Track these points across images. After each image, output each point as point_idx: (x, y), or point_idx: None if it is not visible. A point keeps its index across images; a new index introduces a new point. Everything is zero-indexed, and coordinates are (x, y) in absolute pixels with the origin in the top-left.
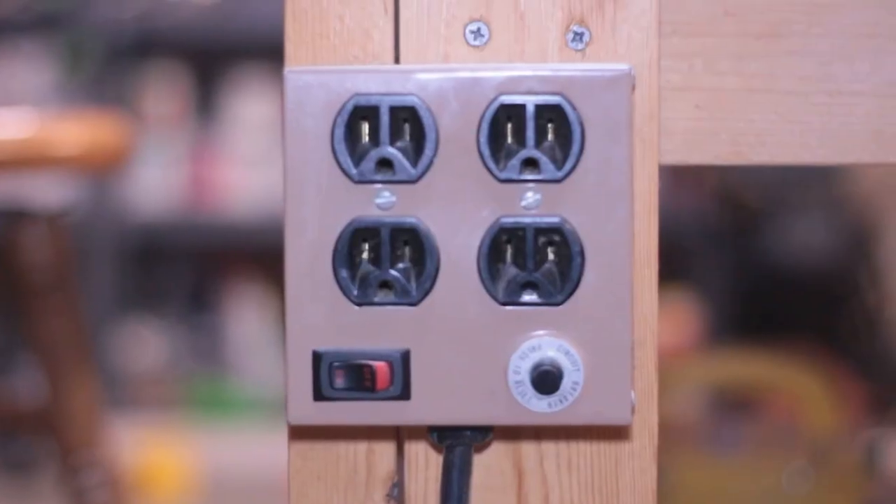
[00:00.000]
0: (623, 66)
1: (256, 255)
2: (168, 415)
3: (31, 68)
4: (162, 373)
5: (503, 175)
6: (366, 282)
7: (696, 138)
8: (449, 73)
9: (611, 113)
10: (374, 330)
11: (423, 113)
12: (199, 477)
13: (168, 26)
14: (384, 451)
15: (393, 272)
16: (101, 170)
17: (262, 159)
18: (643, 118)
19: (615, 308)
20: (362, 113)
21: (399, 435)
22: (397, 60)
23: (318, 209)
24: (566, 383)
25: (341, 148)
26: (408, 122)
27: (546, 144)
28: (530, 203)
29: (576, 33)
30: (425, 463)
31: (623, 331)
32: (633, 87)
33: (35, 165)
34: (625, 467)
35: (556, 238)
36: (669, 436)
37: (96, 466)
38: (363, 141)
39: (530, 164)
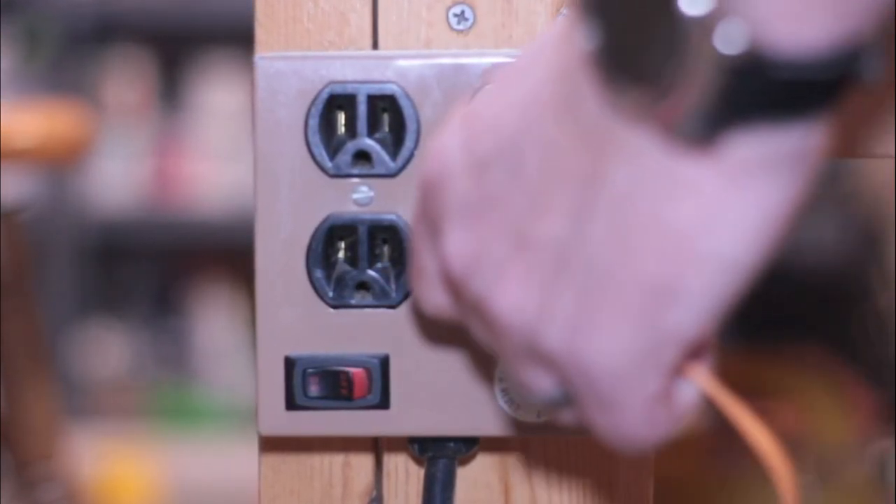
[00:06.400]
0: None
1: (225, 254)
2: (131, 425)
3: None
4: (124, 380)
5: None
6: (342, 283)
7: None
8: (431, 59)
9: None
10: (350, 334)
11: (403, 102)
12: (164, 491)
13: (130, 10)
14: (361, 463)
15: (371, 272)
16: (60, 163)
17: (231, 152)
18: None
19: None
20: (338, 102)
21: (377, 446)
22: (376, 46)
23: (291, 205)
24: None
25: (316, 139)
26: (387, 111)
27: None
28: None
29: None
30: (405, 476)
31: None
32: None
33: None
34: (619, 481)
35: None
36: (668, 447)
37: (54, 480)
38: (339, 132)
39: None
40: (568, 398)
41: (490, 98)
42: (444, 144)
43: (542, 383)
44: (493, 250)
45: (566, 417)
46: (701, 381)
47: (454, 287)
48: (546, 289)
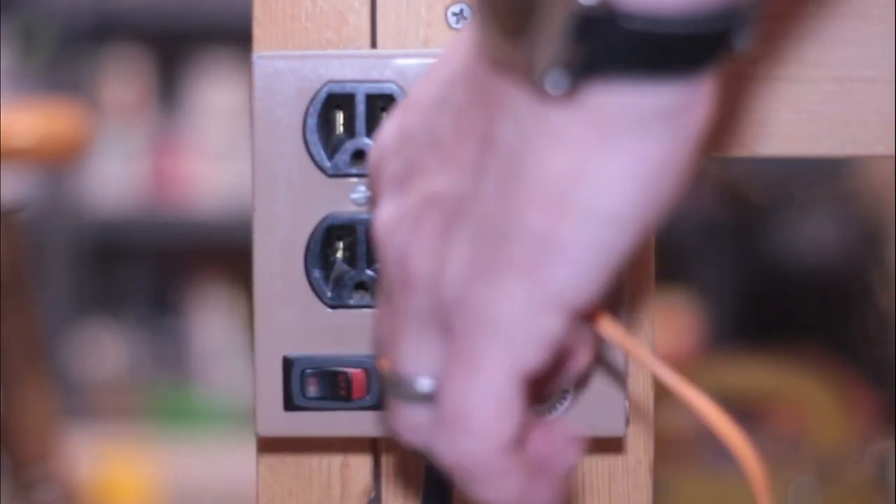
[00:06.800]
0: None
1: (223, 254)
2: (128, 426)
3: None
4: (122, 380)
5: None
6: (340, 283)
7: None
8: (430, 58)
9: None
10: (349, 334)
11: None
12: (161, 492)
13: (128, 9)
14: (360, 464)
15: (370, 272)
16: (57, 162)
17: (229, 151)
18: None
19: (609, 311)
20: (337, 101)
21: (376, 447)
22: (374, 45)
23: (289, 205)
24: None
25: (314, 139)
26: (385, 110)
27: None
28: None
29: None
30: (404, 477)
31: None
32: None
33: None
34: (618, 483)
35: None
36: (667, 449)
37: (52, 481)
38: (338, 131)
39: None
40: (434, 392)
41: (422, 81)
42: (383, 132)
43: (423, 359)
44: (410, 210)
45: (418, 419)
46: (609, 329)
47: (381, 260)
48: (448, 242)
